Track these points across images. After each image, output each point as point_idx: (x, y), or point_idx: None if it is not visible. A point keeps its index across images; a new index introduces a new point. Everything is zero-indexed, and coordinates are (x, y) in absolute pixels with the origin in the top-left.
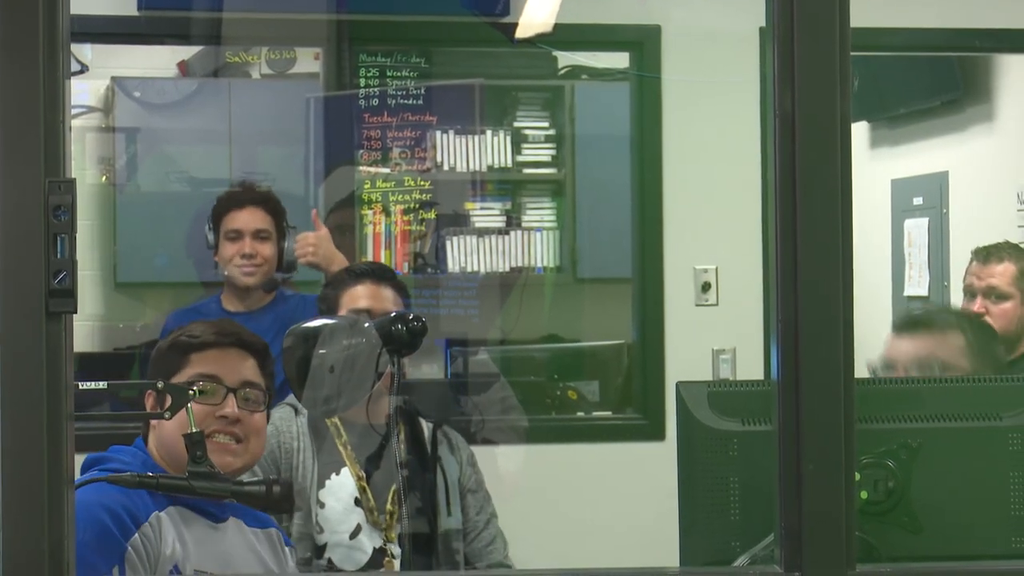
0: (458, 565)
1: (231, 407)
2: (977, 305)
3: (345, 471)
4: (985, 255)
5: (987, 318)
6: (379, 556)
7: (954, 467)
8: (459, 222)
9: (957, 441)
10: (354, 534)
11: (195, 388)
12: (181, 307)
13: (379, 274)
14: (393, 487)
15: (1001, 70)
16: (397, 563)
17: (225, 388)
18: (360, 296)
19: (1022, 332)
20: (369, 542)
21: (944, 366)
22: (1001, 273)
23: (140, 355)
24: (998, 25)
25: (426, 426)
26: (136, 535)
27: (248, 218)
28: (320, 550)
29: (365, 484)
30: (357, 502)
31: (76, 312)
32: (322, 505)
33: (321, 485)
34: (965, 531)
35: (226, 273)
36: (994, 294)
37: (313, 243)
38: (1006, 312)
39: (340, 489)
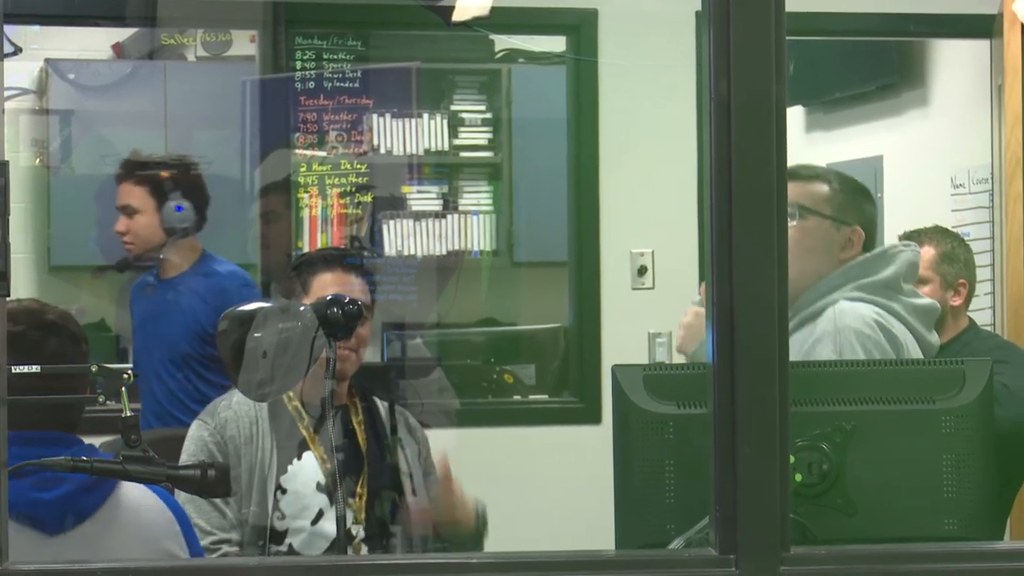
0: (433, 546)
1: None
2: None
3: (308, 455)
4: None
5: None
6: (340, 541)
7: (888, 450)
8: (396, 205)
9: (891, 424)
10: (316, 519)
11: (129, 372)
12: (137, 280)
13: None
14: (363, 469)
15: (936, 55)
16: (365, 547)
17: None
18: (329, 283)
19: (944, 317)
20: (331, 527)
21: (804, 210)
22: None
23: None
24: (933, 10)
25: (382, 406)
26: None
27: (121, 194)
28: (280, 536)
29: (332, 466)
30: (319, 487)
31: (9, 295)
32: (283, 491)
33: (282, 470)
34: (899, 513)
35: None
36: None
37: None
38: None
39: (302, 473)
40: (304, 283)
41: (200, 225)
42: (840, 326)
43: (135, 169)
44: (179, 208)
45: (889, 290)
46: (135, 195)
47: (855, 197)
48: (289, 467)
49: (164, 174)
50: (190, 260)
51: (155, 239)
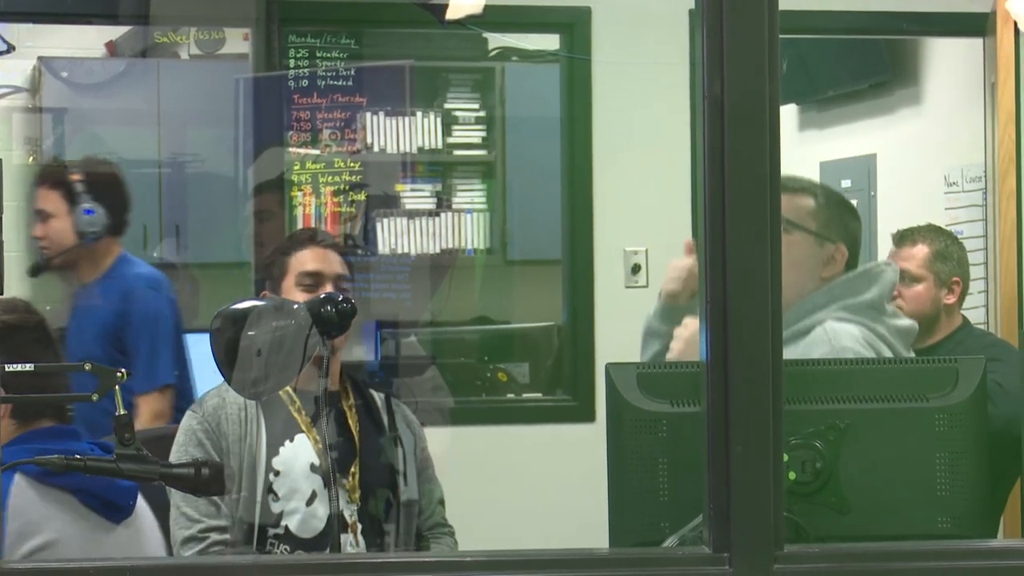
0: (416, 538)
1: None
2: None
3: (300, 438)
4: (899, 238)
5: (900, 302)
6: (333, 523)
7: (881, 448)
8: (389, 204)
9: (884, 422)
10: (310, 500)
11: (123, 371)
12: None
13: (323, 239)
14: (356, 451)
15: (929, 53)
16: (361, 530)
17: None
18: (308, 259)
19: (938, 315)
20: (324, 509)
21: (789, 224)
22: (913, 256)
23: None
24: (926, 8)
25: (377, 396)
26: None
27: (37, 199)
28: (276, 518)
29: (326, 464)
30: (313, 468)
31: (2, 294)
32: (276, 473)
33: (275, 452)
34: (892, 511)
35: None
36: (906, 278)
37: None
38: (918, 295)
39: (295, 456)
40: (284, 263)
41: (116, 229)
42: (837, 347)
43: (51, 174)
44: (88, 212)
45: (874, 311)
46: (50, 200)
47: (841, 213)
48: (281, 449)
49: (75, 177)
50: (105, 264)
51: (67, 243)
